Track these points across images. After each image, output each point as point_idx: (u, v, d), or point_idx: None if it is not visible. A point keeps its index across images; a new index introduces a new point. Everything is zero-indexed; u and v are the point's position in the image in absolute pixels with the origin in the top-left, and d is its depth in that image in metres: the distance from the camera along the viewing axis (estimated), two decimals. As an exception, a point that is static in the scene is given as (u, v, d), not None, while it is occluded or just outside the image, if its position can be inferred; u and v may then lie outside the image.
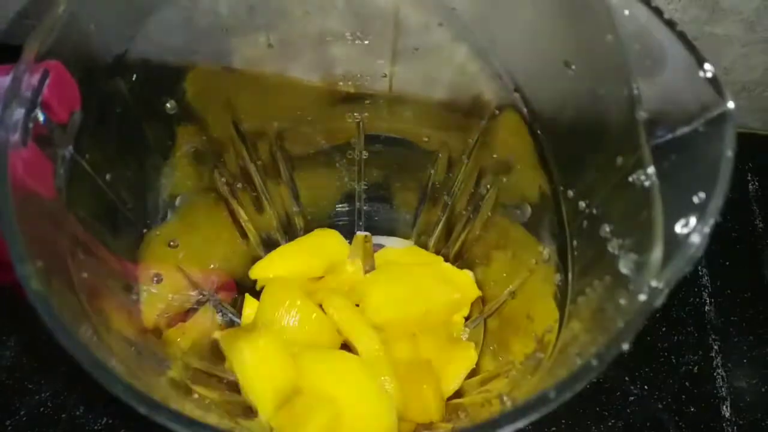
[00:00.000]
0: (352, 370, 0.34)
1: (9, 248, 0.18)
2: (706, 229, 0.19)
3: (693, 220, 0.20)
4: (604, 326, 0.20)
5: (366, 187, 0.44)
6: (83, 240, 0.24)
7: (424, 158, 0.40)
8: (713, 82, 0.21)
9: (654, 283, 0.19)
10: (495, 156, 0.36)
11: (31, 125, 0.21)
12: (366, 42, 0.34)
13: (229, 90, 0.36)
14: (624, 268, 0.22)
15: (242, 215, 0.41)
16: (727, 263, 0.49)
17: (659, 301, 0.19)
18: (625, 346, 0.18)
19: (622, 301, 0.20)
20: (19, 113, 0.21)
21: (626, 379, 0.44)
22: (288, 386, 0.32)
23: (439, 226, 0.43)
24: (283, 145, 0.40)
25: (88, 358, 0.17)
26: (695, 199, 0.20)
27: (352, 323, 0.36)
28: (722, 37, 0.46)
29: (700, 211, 0.20)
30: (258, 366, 0.32)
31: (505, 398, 0.28)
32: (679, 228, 0.20)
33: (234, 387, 0.34)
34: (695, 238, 0.19)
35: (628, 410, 0.43)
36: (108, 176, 0.27)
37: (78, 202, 0.24)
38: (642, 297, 0.19)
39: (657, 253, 0.20)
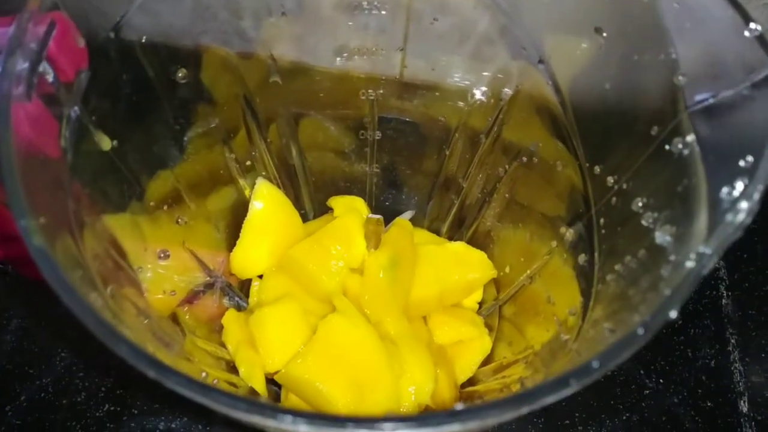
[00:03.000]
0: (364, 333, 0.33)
1: (9, 201, 0.17)
2: (756, 194, 0.18)
3: (740, 185, 0.18)
4: (643, 299, 0.19)
5: (378, 170, 0.42)
6: (87, 206, 0.23)
7: (440, 139, 0.39)
8: (761, 41, 0.20)
9: (701, 249, 0.17)
10: (515, 134, 0.35)
11: (35, 80, 0.20)
12: (383, 12, 0.33)
13: (239, 64, 0.35)
14: (660, 240, 0.21)
15: (249, 195, 0.39)
16: (745, 256, 0.49)
17: (708, 267, 0.17)
18: (674, 314, 0.17)
19: (664, 272, 0.19)
20: (22, 65, 0.19)
21: (641, 372, 0.43)
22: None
23: (453, 211, 0.42)
24: (295, 125, 0.39)
25: (91, 316, 0.15)
26: (742, 163, 0.19)
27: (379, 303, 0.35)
28: (745, 22, 0.45)
29: (748, 174, 0.18)
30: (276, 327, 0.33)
31: (525, 381, 0.26)
32: (725, 194, 0.19)
33: (235, 369, 0.33)
34: (744, 203, 0.18)
35: (644, 404, 0.42)
36: (115, 141, 0.26)
37: (83, 167, 0.23)
38: (690, 264, 0.17)
39: (701, 222, 0.19)
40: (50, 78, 0.21)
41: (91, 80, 0.23)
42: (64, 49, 0.22)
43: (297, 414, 0.14)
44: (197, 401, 0.15)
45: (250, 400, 0.14)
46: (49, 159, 0.21)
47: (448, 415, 0.14)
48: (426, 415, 0.14)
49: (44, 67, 0.21)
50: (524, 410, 0.15)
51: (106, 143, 0.25)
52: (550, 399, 0.15)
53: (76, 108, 0.22)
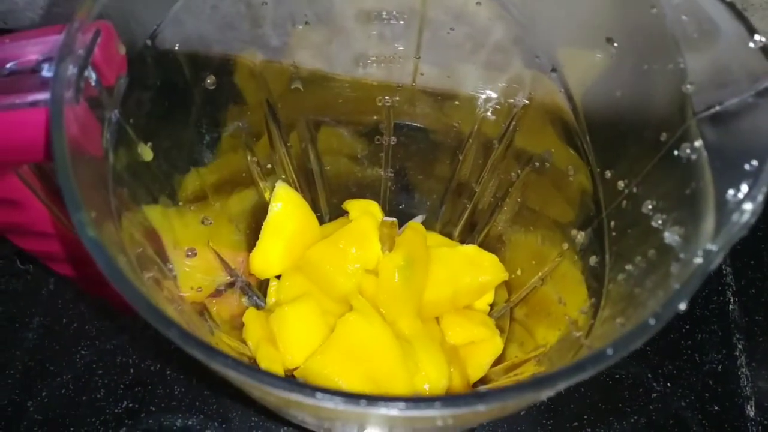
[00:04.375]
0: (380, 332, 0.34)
1: (64, 196, 0.18)
2: (760, 196, 0.19)
3: (745, 188, 0.20)
4: (652, 294, 0.20)
5: (392, 175, 0.44)
6: (125, 200, 0.24)
7: (453, 144, 0.40)
8: (764, 51, 0.21)
9: (709, 246, 0.19)
10: (528, 140, 0.36)
11: (82, 84, 0.21)
12: (401, 22, 0.34)
13: (264, 72, 0.36)
14: (669, 240, 0.22)
15: (269, 197, 0.41)
16: (752, 262, 0.49)
17: (715, 264, 0.18)
18: (683, 306, 0.18)
19: (674, 269, 0.20)
20: (72, 70, 0.21)
21: (649, 375, 0.44)
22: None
23: (465, 215, 0.43)
24: (314, 130, 0.40)
25: (143, 301, 0.16)
26: (747, 167, 0.20)
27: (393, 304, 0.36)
28: (751, 33, 0.46)
29: (753, 177, 0.19)
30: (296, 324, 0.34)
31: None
32: (730, 196, 0.20)
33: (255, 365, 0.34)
34: (748, 205, 0.19)
35: (651, 407, 0.43)
36: (149, 143, 0.27)
37: (121, 165, 0.24)
38: (697, 260, 0.18)
39: (709, 223, 0.20)
40: (93, 82, 0.22)
41: (129, 85, 0.25)
42: (106, 56, 0.23)
43: (334, 393, 0.15)
44: (239, 381, 0.16)
45: (290, 381, 0.15)
46: (94, 158, 0.22)
47: (473, 396, 0.15)
48: (452, 396, 0.15)
49: (89, 72, 0.22)
50: (544, 394, 0.16)
51: (147, 154, 0.27)
52: (566, 383, 0.16)
53: (116, 111, 0.24)
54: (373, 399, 0.15)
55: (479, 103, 0.37)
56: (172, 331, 0.16)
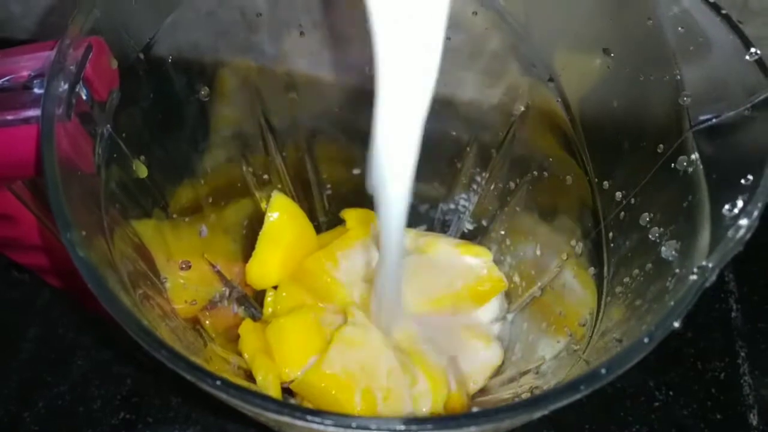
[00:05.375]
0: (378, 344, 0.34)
1: (54, 216, 0.18)
2: (756, 212, 0.19)
3: (740, 203, 0.19)
4: (649, 310, 0.20)
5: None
6: (117, 215, 0.24)
7: (452, 153, 0.40)
8: (760, 64, 0.21)
9: (704, 263, 0.18)
10: (526, 149, 0.36)
11: (74, 100, 0.21)
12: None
13: (258, 81, 0.36)
14: (666, 254, 0.22)
15: (265, 207, 0.40)
16: (755, 269, 0.49)
17: (711, 280, 0.18)
18: (677, 324, 0.17)
19: (669, 285, 0.20)
20: (63, 87, 0.21)
21: (651, 384, 0.43)
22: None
23: (464, 224, 0.43)
24: (310, 139, 0.40)
25: (134, 324, 0.16)
26: (743, 181, 0.20)
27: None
28: (751, 39, 0.46)
29: (749, 192, 0.19)
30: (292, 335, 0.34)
31: (536, 391, 0.27)
32: (726, 211, 0.20)
33: (251, 378, 0.34)
34: (744, 221, 0.19)
35: (653, 416, 0.42)
36: (142, 157, 0.27)
37: (114, 181, 0.24)
38: (693, 277, 0.18)
39: (704, 238, 0.20)
40: (85, 97, 0.22)
41: (121, 99, 0.25)
42: (98, 71, 0.23)
43: (324, 415, 0.14)
44: (231, 402, 0.16)
45: (281, 402, 0.15)
46: (85, 174, 0.22)
47: (465, 417, 0.14)
48: (445, 417, 0.15)
49: (80, 87, 0.22)
50: (537, 414, 0.16)
51: (142, 171, 0.27)
52: (560, 403, 0.16)
53: (108, 126, 0.24)
54: (364, 421, 0.15)
55: (477, 112, 0.37)
56: (162, 353, 0.16)
